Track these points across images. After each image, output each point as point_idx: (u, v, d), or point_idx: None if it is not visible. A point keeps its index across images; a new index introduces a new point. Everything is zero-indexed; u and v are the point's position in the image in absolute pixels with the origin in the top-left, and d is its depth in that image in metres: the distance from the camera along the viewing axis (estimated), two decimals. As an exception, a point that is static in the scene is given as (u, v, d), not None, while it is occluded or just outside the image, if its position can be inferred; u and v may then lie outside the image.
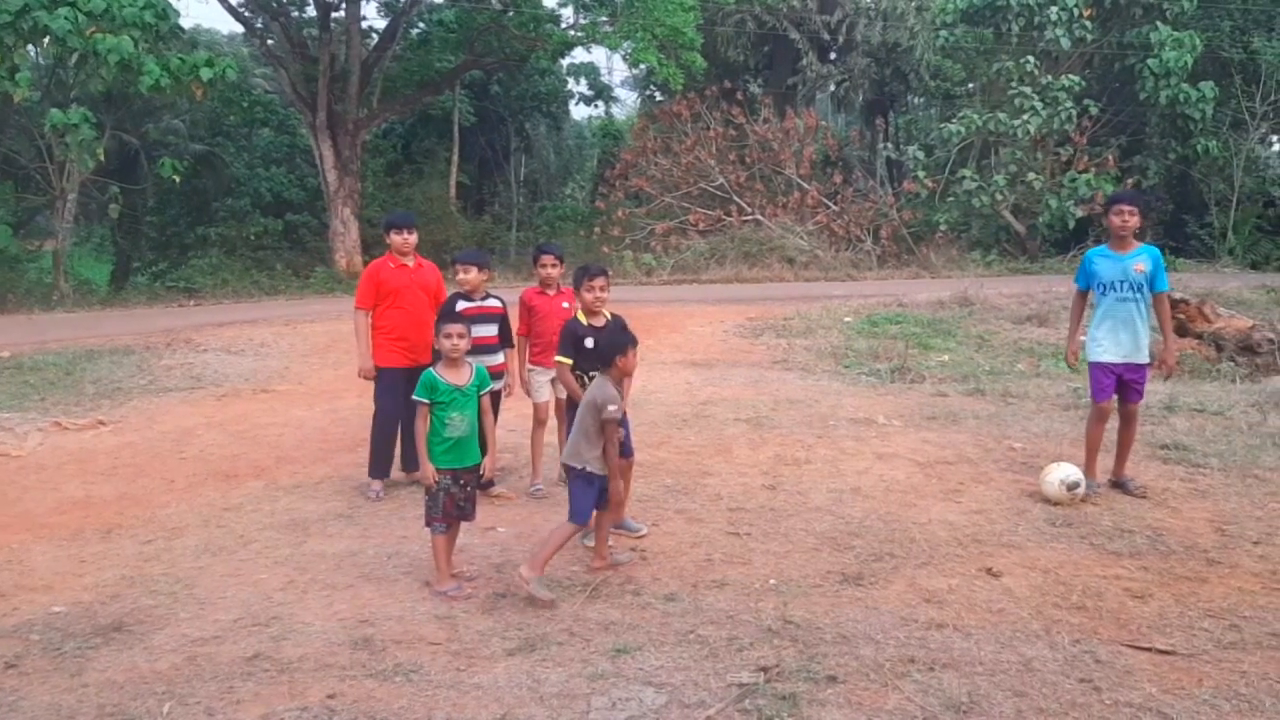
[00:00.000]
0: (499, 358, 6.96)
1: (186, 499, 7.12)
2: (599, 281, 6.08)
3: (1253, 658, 4.40)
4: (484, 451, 5.54)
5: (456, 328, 5.40)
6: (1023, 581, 5.30)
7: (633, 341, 5.57)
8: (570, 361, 6.02)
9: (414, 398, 5.33)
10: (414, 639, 4.68)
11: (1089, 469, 6.87)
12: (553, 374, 6.96)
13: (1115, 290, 6.74)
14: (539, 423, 7.23)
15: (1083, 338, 7.13)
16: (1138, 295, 6.70)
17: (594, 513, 5.45)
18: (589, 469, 5.36)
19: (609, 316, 6.10)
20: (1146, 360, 6.81)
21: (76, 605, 5.16)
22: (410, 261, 7.33)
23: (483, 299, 6.94)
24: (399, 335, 7.19)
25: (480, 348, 6.41)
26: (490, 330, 6.86)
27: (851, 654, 4.45)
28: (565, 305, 6.88)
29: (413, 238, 7.33)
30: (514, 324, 7.19)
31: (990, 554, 5.71)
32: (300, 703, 4.07)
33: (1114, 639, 4.60)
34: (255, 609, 5.07)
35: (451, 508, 5.32)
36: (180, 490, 7.37)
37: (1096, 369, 6.83)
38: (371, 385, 7.37)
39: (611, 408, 5.32)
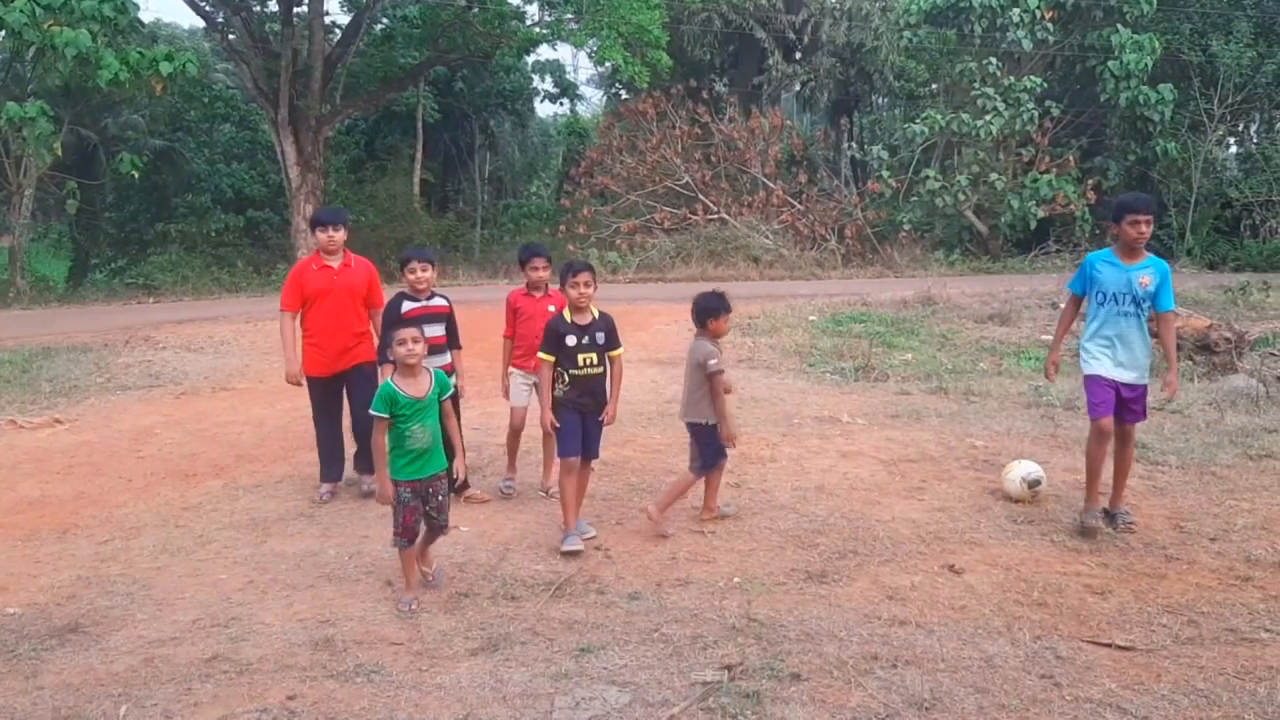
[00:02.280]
0: (446, 357, 6.73)
1: (144, 498, 7.02)
2: (583, 277, 5.87)
3: (1210, 653, 4.45)
4: (452, 456, 5.41)
5: (410, 332, 5.09)
6: (984, 579, 5.34)
7: (725, 307, 6.18)
8: (552, 358, 5.85)
9: (371, 412, 5.06)
10: (375, 639, 4.64)
11: (1090, 495, 6.22)
12: (534, 379, 6.71)
13: (1116, 302, 6.08)
14: (514, 430, 7.04)
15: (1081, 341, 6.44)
16: (1138, 310, 6.05)
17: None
18: (709, 422, 6.08)
19: (596, 314, 5.95)
20: (1145, 381, 6.16)
21: (32, 606, 5.08)
22: (336, 261, 6.91)
23: (428, 299, 6.68)
24: (316, 341, 6.87)
25: (429, 348, 6.32)
26: (437, 330, 6.62)
27: (815, 651, 4.46)
28: (551, 309, 6.61)
29: (340, 235, 6.88)
30: (497, 326, 7.08)
31: (952, 551, 5.74)
32: (260, 704, 4.03)
33: (1074, 635, 4.64)
34: (214, 610, 5.01)
35: (411, 522, 5.07)
36: (138, 489, 7.26)
37: (1094, 383, 6.12)
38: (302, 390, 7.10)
39: (712, 361, 6.03)
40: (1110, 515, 6.18)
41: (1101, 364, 6.11)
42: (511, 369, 7.01)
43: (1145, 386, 6.17)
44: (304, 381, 6.98)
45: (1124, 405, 6.13)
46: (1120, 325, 6.09)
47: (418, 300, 6.61)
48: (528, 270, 6.91)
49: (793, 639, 4.59)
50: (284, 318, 6.95)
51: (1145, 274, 6.06)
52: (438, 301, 6.74)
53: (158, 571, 5.56)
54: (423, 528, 5.20)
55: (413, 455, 5.06)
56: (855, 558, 5.66)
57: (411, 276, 6.59)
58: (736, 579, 5.34)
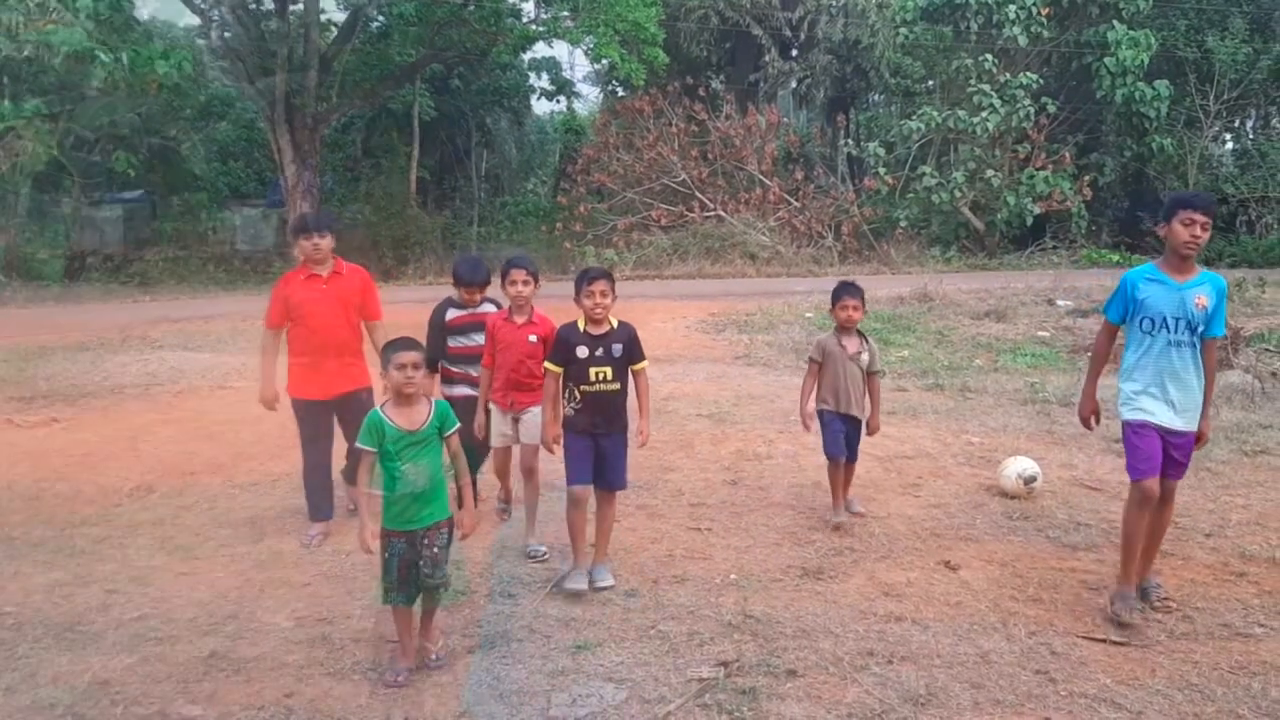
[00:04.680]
0: None
1: (141, 497, 7.02)
2: (599, 286, 5.16)
3: (1204, 648, 4.47)
4: (461, 504, 4.59)
5: (410, 356, 4.31)
6: (980, 574, 5.35)
7: (840, 293, 6.29)
8: (559, 370, 5.24)
9: (357, 445, 4.37)
10: (372, 637, 4.65)
11: (1125, 574, 4.94)
12: (511, 415, 5.93)
13: (1169, 330, 4.83)
14: (498, 470, 6.34)
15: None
16: (1195, 339, 4.84)
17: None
18: (823, 408, 6.26)
19: (614, 324, 5.29)
20: (1195, 427, 4.93)
21: (29, 605, 5.07)
22: (324, 271, 6.16)
23: (477, 307, 6.31)
24: (306, 360, 6.11)
25: (472, 357, 6.11)
26: (481, 340, 6.17)
27: (811, 648, 4.47)
28: (532, 339, 5.80)
29: (325, 242, 6.11)
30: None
31: (948, 547, 5.76)
32: (257, 702, 4.04)
33: (1069, 631, 4.66)
34: (211, 608, 5.01)
35: (406, 577, 4.31)
36: (135, 488, 7.26)
37: (1139, 433, 4.85)
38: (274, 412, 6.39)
39: (811, 349, 6.43)
40: (1142, 589, 5.01)
41: (1151, 408, 4.86)
42: (490, 403, 6.00)
43: (1195, 434, 4.95)
44: (279, 406, 6.25)
45: (1168, 460, 4.88)
46: (1172, 358, 4.84)
47: (465, 309, 6.28)
48: (506, 285, 5.89)
49: (789, 635, 4.60)
50: (265, 335, 6.27)
51: (1201, 293, 4.85)
52: (487, 307, 6.30)
53: (155, 570, 5.56)
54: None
55: (406, 500, 4.30)
56: (851, 554, 5.67)
57: (468, 297, 6.28)
58: (733, 576, 5.35)
